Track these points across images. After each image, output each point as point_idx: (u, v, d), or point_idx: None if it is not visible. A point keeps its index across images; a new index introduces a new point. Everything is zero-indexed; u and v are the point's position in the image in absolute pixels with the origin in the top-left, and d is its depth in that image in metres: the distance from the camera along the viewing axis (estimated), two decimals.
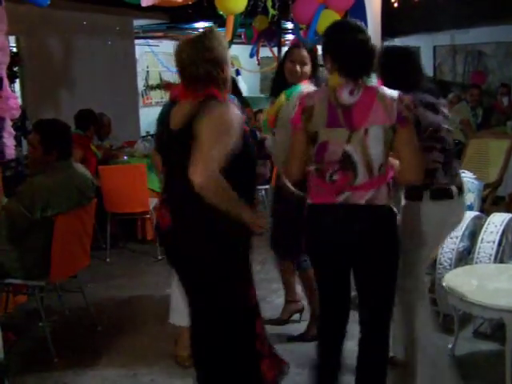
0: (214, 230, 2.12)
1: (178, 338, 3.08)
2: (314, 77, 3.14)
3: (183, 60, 2.14)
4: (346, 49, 2.19)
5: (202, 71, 2.11)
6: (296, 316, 3.56)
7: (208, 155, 2.00)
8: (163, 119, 2.34)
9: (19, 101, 3.28)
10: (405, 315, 2.63)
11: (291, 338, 3.34)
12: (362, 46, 2.19)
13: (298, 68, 3.05)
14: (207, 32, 2.16)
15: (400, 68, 2.60)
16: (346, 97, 2.17)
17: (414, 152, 2.21)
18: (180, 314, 2.88)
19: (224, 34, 2.22)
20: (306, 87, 3.02)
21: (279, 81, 3.18)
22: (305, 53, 3.09)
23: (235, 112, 2.13)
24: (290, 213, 3.15)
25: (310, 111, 2.19)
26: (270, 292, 4.04)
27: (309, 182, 2.30)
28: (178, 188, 2.17)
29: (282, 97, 3.05)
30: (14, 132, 3.01)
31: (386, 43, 4.21)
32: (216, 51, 2.12)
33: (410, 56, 2.71)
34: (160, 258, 4.66)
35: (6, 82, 2.85)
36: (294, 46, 3.22)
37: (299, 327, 3.44)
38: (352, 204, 2.18)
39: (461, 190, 2.64)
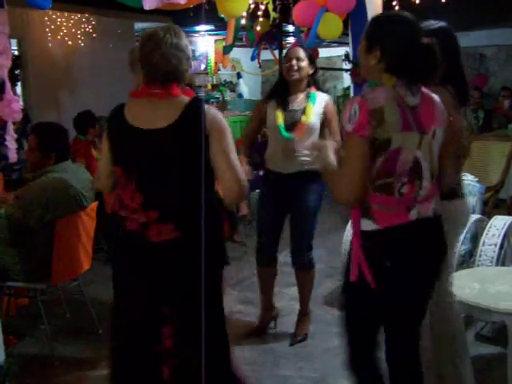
0: (216, 236, 2.13)
1: None
2: (312, 79, 3.23)
3: (152, 56, 2.04)
4: (409, 54, 1.88)
5: (174, 68, 2.05)
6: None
7: (238, 163, 2.05)
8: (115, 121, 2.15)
9: (21, 103, 3.28)
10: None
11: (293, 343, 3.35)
12: (431, 53, 1.90)
13: (294, 62, 3.14)
14: (174, 29, 2.08)
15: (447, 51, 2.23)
16: (410, 97, 1.91)
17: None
18: None
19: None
20: (321, 94, 3.24)
21: (279, 84, 3.30)
22: (300, 50, 3.21)
23: None
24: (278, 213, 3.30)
25: (380, 114, 1.83)
26: None
27: (361, 202, 1.92)
28: (178, 196, 2.05)
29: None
30: (15, 135, 3.01)
31: None
32: (186, 48, 2.08)
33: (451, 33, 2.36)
34: None
35: (8, 85, 2.85)
36: (290, 47, 3.36)
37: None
38: (424, 218, 1.95)
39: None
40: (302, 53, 3.16)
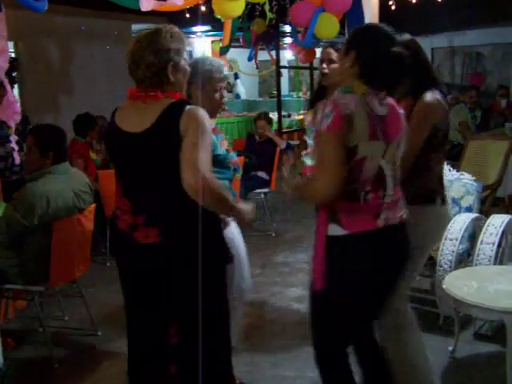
0: (204, 238, 2.07)
1: None
2: None
3: (131, 58, 2.06)
4: (381, 61, 1.98)
5: (149, 71, 2.02)
6: None
7: (202, 159, 1.95)
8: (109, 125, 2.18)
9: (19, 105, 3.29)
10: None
11: None
12: (400, 61, 1.99)
13: (324, 65, 2.98)
14: (161, 32, 2.05)
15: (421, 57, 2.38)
16: (378, 106, 1.97)
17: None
18: None
19: (182, 34, 2.11)
20: None
21: (318, 91, 3.16)
22: (331, 51, 3.01)
23: (207, 116, 2.08)
24: None
25: (351, 120, 1.88)
26: (270, 295, 4.03)
27: (328, 208, 1.96)
28: (162, 201, 2.03)
29: None
30: (16, 137, 3.02)
31: None
32: (168, 52, 2.03)
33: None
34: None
35: (8, 87, 2.85)
36: (324, 47, 3.09)
37: None
38: (391, 225, 2.00)
39: None
40: (334, 54, 2.97)
